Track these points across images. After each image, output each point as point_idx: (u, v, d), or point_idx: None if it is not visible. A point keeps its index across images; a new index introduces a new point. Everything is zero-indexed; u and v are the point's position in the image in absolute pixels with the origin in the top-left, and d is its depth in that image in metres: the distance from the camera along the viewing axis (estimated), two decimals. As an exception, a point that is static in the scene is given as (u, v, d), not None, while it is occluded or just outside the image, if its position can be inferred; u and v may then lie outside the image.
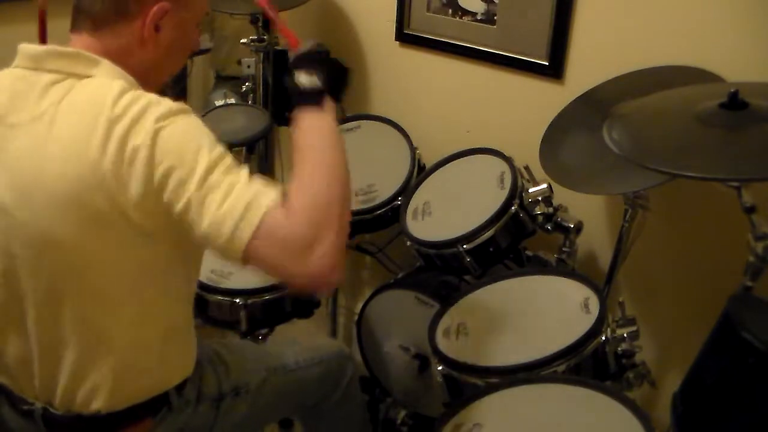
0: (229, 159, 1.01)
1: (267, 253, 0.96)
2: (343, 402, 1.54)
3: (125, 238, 1.02)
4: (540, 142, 1.60)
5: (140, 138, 0.98)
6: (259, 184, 0.99)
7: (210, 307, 1.66)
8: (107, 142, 0.98)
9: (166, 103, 1.02)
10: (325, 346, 1.57)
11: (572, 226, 1.57)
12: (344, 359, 1.55)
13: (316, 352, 1.50)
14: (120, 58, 1.09)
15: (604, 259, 1.71)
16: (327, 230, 0.96)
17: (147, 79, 1.12)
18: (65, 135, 1.01)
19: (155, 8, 1.09)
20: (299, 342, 1.56)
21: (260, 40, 2.19)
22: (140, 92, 1.04)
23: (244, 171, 1.01)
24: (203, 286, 1.63)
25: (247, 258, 0.96)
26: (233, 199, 0.96)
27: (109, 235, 1.02)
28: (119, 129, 0.98)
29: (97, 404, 1.11)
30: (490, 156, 1.70)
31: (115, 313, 1.08)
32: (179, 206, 0.97)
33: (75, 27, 1.11)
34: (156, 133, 0.98)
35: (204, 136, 1.02)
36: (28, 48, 1.09)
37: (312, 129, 1.11)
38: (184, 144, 0.99)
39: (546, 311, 1.43)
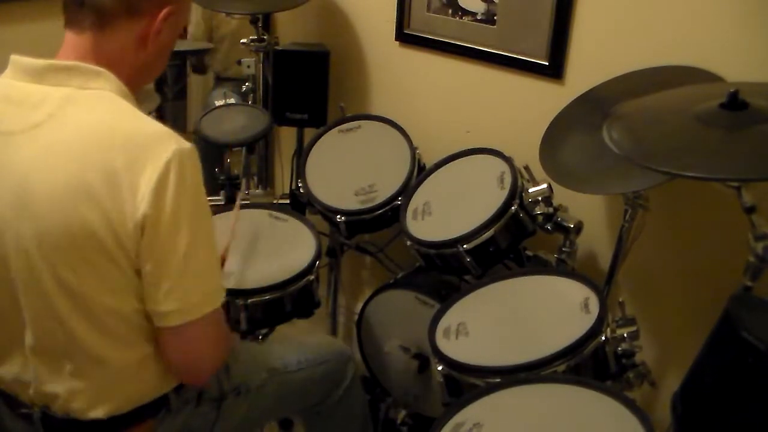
0: None
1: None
2: (344, 402, 1.54)
3: (114, 257, 1.01)
4: (540, 142, 1.60)
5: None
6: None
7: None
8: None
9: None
10: (327, 345, 1.58)
11: (572, 226, 1.57)
12: (345, 359, 1.55)
13: (317, 353, 1.50)
14: (116, 60, 1.07)
15: (604, 259, 1.71)
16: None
17: (136, 81, 1.11)
18: (65, 148, 1.00)
19: (165, 11, 1.08)
20: (301, 342, 1.55)
21: (260, 40, 2.20)
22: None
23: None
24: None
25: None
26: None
27: (99, 252, 1.01)
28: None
29: (96, 413, 1.11)
30: (490, 156, 1.70)
31: (106, 329, 1.07)
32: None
33: (74, 24, 1.07)
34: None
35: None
36: (24, 62, 1.06)
37: None
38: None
39: (546, 311, 1.43)
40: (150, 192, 0.98)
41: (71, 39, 1.08)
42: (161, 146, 1.00)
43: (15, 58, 1.08)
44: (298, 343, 1.53)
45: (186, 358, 1.13)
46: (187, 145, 1.02)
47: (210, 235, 1.08)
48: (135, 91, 1.10)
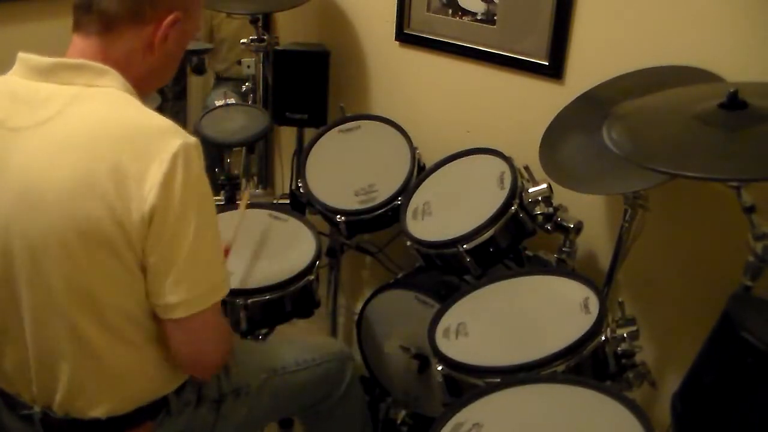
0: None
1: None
2: (344, 402, 1.55)
3: (120, 252, 1.02)
4: (540, 142, 1.60)
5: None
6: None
7: (210, 308, 1.66)
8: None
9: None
10: (326, 346, 1.58)
11: (572, 226, 1.57)
12: (345, 359, 1.55)
13: (317, 353, 1.50)
14: (123, 64, 1.08)
15: (604, 259, 1.71)
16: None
17: (143, 86, 1.12)
18: (71, 143, 1.01)
19: (171, 17, 1.09)
20: (300, 342, 1.56)
21: (260, 40, 2.20)
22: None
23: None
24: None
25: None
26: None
27: (104, 248, 1.01)
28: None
29: (96, 411, 1.12)
30: (490, 156, 1.70)
31: (109, 326, 1.07)
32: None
33: (81, 27, 1.09)
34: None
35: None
36: (31, 59, 1.07)
37: None
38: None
39: (546, 311, 1.43)
40: (158, 184, 0.99)
41: (78, 42, 1.09)
42: (168, 140, 1.01)
43: (22, 56, 1.08)
44: (297, 344, 1.53)
45: (193, 350, 1.13)
46: (192, 139, 1.04)
47: (215, 226, 1.09)
48: (142, 96, 1.11)
